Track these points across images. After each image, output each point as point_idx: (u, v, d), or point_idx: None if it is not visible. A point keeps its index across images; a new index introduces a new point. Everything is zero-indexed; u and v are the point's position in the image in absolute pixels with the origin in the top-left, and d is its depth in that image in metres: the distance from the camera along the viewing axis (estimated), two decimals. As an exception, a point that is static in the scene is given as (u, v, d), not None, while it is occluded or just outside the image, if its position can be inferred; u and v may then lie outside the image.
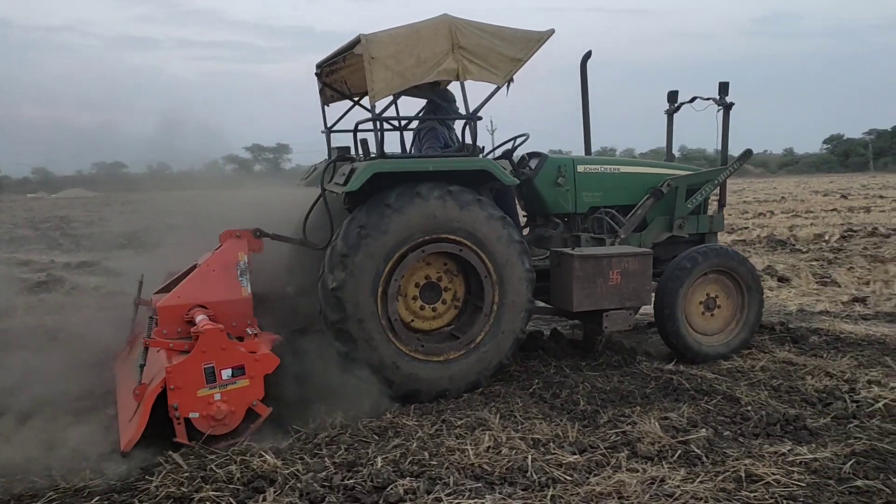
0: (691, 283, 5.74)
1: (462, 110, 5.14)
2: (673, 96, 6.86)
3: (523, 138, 6.01)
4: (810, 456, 3.76)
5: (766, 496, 3.36)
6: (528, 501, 3.36)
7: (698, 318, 5.84)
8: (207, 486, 3.57)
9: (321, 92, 6.12)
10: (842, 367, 5.35)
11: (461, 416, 4.49)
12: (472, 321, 5.15)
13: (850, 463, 3.66)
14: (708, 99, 6.47)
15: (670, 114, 6.92)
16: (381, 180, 4.72)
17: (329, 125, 6.15)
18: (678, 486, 3.46)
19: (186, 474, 3.70)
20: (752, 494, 3.38)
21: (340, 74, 5.89)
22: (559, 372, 5.49)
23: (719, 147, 6.53)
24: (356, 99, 6.12)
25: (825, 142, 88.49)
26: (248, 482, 3.63)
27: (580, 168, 6.06)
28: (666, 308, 5.66)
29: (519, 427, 4.31)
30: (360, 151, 5.22)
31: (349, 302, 4.67)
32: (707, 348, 5.77)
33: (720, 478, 3.56)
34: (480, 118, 5.10)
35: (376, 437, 4.20)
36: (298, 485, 3.56)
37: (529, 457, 3.82)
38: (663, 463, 3.78)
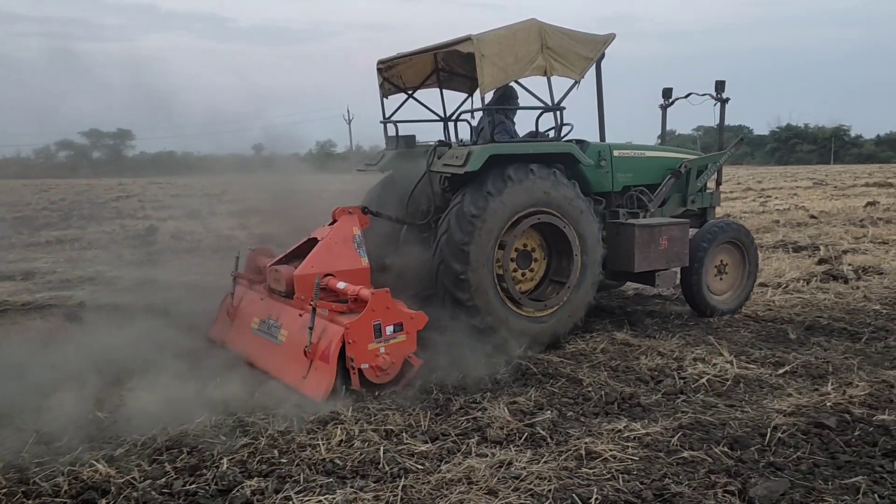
0: (712, 251, 6.87)
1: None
2: (668, 92, 7.83)
3: (568, 127, 6.36)
4: (643, 431, 4.03)
5: (604, 471, 3.56)
6: (380, 493, 3.35)
7: (712, 280, 7.01)
8: (30, 502, 3.26)
9: (381, 86, 6.82)
10: (671, 347, 5.78)
11: (314, 412, 4.39)
12: (557, 286, 6.02)
13: (678, 436, 3.95)
14: (704, 95, 7.44)
15: (664, 108, 7.90)
16: (491, 161, 5.55)
17: (387, 116, 6.89)
18: (524, 468, 3.58)
19: (5, 490, 3.36)
20: (591, 471, 3.57)
21: (397, 70, 6.76)
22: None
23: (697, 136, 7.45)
24: (409, 92, 6.95)
25: (658, 138, 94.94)
26: (76, 494, 3.35)
27: (616, 153, 6.81)
28: (694, 273, 6.75)
29: (372, 419, 4.29)
30: (472, 138, 6.50)
31: (473, 255, 5.45)
32: (717, 304, 6.95)
33: (563, 457, 3.73)
34: (564, 108, 5.98)
35: (223, 438, 4.02)
36: (134, 494, 3.34)
37: (381, 448, 3.81)
38: (511, 446, 3.90)
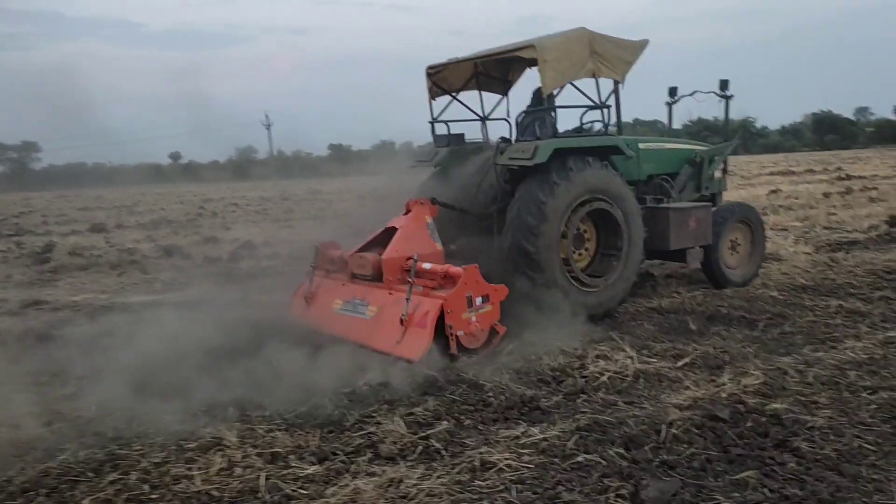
0: (727, 229, 7.70)
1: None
2: (673, 91, 8.50)
3: (595, 119, 7.12)
4: (540, 436, 3.92)
5: (498, 483, 3.42)
6: (257, 526, 3.11)
7: (727, 255, 7.81)
8: None
9: (430, 89, 7.55)
10: (575, 345, 5.71)
11: (196, 438, 4.09)
12: (607, 265, 6.78)
13: (574, 438, 3.86)
14: (708, 93, 8.09)
15: (670, 105, 8.59)
16: (554, 154, 6.20)
17: (434, 117, 7.64)
18: (415, 486, 3.41)
19: None
20: (484, 483, 3.43)
21: (443, 75, 7.50)
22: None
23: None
24: (454, 94, 7.71)
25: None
26: None
27: (641, 145, 7.51)
28: (713, 250, 7.57)
29: (258, 441, 4.03)
30: (518, 134, 7.45)
31: (542, 236, 6.16)
32: (732, 277, 7.80)
33: (456, 470, 3.58)
34: (610, 106, 6.77)
35: (90, 475, 3.68)
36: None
37: (263, 475, 3.57)
38: (404, 462, 3.72)
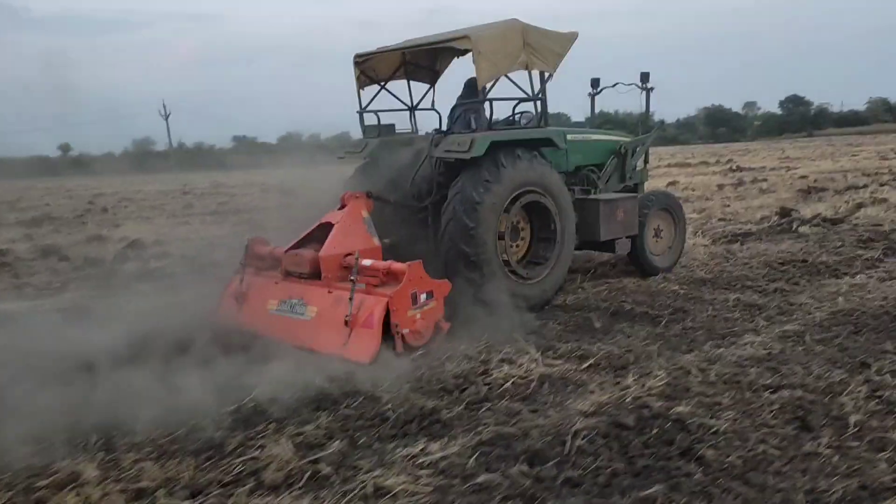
0: (651, 218, 7.93)
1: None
2: (595, 82, 8.65)
3: (523, 111, 7.23)
4: (440, 454, 3.64)
5: (391, 512, 3.12)
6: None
7: (651, 242, 8.02)
8: None
9: (357, 79, 7.36)
10: (479, 349, 5.46)
11: (50, 473, 3.58)
12: (542, 256, 6.82)
13: (476, 455, 3.61)
14: (630, 84, 8.32)
15: (593, 96, 8.77)
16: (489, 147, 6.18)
17: (363, 106, 7.48)
18: (298, 520, 3.06)
19: None
20: (377, 513, 3.12)
21: (371, 63, 7.34)
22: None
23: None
24: (382, 84, 7.57)
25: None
26: None
27: (569, 136, 7.51)
28: (638, 238, 7.75)
29: (123, 475, 3.56)
30: (448, 126, 7.38)
31: (479, 236, 6.12)
32: (657, 263, 8.04)
33: (347, 499, 3.25)
34: (542, 98, 6.78)
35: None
36: None
37: (121, 519, 3.12)
38: (288, 492, 3.36)
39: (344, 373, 4.92)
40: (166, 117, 72.19)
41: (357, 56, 7.30)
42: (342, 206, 6.19)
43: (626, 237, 7.59)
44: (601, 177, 7.97)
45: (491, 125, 6.80)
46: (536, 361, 5.04)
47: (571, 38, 6.98)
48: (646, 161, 8.91)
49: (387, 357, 5.17)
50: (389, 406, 4.35)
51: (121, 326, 5.93)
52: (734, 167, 27.32)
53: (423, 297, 5.44)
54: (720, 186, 19.07)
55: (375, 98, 7.60)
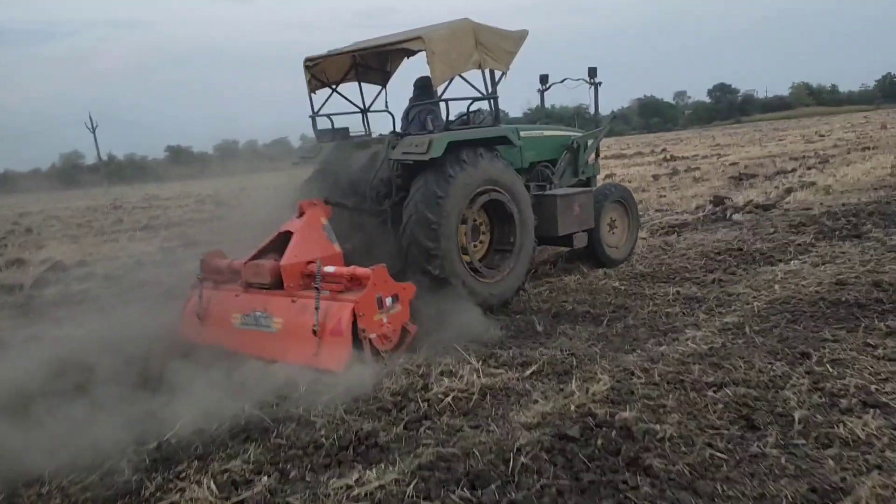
0: (605, 210, 8.04)
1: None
2: (544, 78, 8.83)
3: (478, 107, 7.27)
4: (376, 483, 3.41)
5: (324, 555, 2.88)
6: None
7: (606, 234, 8.16)
8: None
9: (309, 82, 7.21)
10: (419, 361, 5.23)
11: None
12: (503, 255, 6.86)
13: (415, 482, 3.39)
14: (578, 80, 8.50)
15: (542, 92, 8.93)
16: (448, 147, 6.17)
17: (315, 110, 7.33)
18: (222, 573, 2.79)
19: None
20: (308, 557, 2.87)
21: (322, 67, 7.21)
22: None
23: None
24: (334, 87, 7.46)
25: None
26: None
27: (522, 133, 7.46)
28: (594, 231, 7.86)
29: (25, 534, 3.22)
30: (403, 126, 7.39)
31: (442, 231, 6.10)
32: (613, 255, 8.20)
33: (275, 543, 2.99)
34: (497, 96, 6.81)
35: None
36: None
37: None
38: (211, 540, 3.08)
39: (276, 397, 4.66)
40: (93, 129, 69.71)
41: (307, 60, 7.18)
42: (300, 214, 6.08)
43: (583, 231, 7.69)
44: (555, 172, 8.05)
45: (448, 125, 6.84)
46: (478, 372, 4.85)
47: (522, 36, 7.03)
48: (597, 155, 9.02)
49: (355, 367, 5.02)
50: (323, 431, 4.10)
51: (30, 359, 5.52)
52: (668, 157, 27.82)
53: (388, 300, 5.37)
54: (655, 177, 19.32)
55: (327, 102, 7.48)
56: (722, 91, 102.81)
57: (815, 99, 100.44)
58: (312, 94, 7.32)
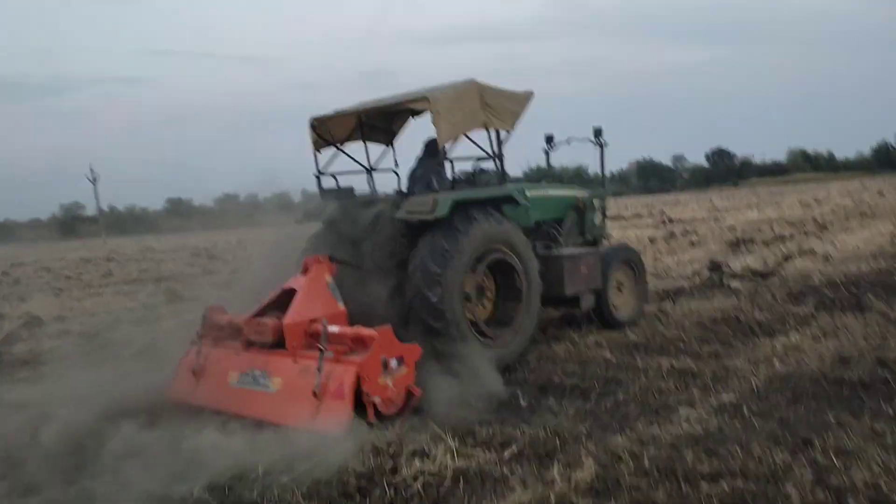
0: (614, 271, 7.87)
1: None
2: (550, 138, 8.87)
3: (480, 168, 7.12)
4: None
5: None
6: None
7: (614, 296, 7.97)
8: None
9: (314, 142, 7.23)
10: (391, 437, 4.82)
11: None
12: (508, 316, 6.69)
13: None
14: (583, 139, 8.46)
15: (547, 152, 8.94)
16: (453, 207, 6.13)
17: (319, 170, 7.34)
18: None
19: None
20: None
21: (328, 126, 7.21)
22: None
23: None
24: (339, 146, 7.44)
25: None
26: None
27: (528, 192, 7.51)
28: (602, 292, 7.72)
29: None
30: (409, 185, 7.26)
31: (446, 285, 5.98)
32: (619, 317, 7.99)
33: None
34: (503, 156, 6.86)
35: None
36: None
37: None
38: None
39: (230, 478, 4.27)
40: (93, 181, 70.13)
41: (313, 119, 7.18)
42: (305, 271, 5.95)
43: (591, 292, 7.55)
44: (562, 232, 7.97)
45: (454, 185, 6.80)
46: (452, 452, 4.45)
47: (527, 97, 7.05)
48: (604, 215, 8.91)
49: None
50: (277, 523, 3.70)
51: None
52: (665, 219, 27.72)
53: (393, 362, 5.17)
54: (652, 240, 19.10)
55: (332, 160, 7.48)
56: (720, 155, 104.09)
57: (811, 165, 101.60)
58: (317, 153, 7.33)
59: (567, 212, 8.22)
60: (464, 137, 6.89)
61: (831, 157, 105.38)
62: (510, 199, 6.86)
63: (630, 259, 8.38)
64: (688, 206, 40.42)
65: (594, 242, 8.61)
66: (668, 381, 5.91)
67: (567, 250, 7.67)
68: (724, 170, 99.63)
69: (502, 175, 6.95)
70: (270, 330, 5.65)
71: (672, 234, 20.22)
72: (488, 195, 6.68)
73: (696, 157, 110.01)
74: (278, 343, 5.61)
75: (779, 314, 8.15)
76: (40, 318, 11.62)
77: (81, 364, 7.30)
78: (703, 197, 54.76)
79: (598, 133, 8.42)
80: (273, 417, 5.13)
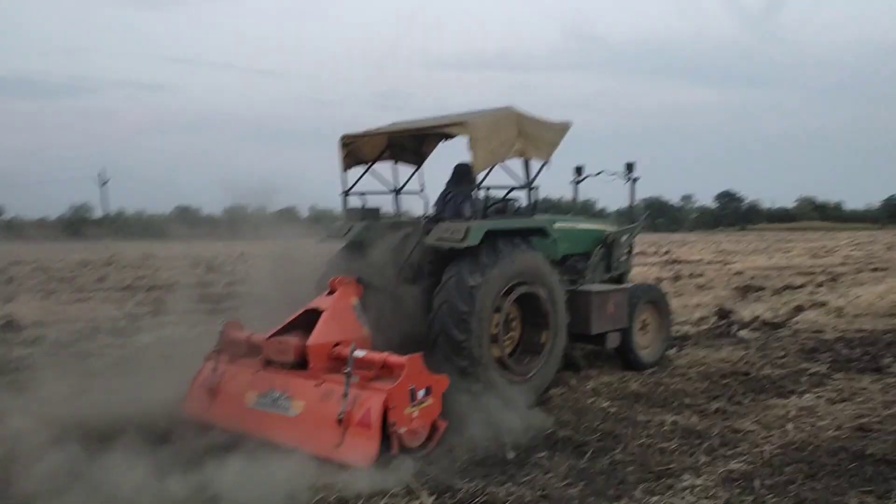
0: (639, 310, 7.70)
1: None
2: (579, 170, 8.63)
3: (510, 198, 6.93)
4: None
5: None
6: None
7: (638, 336, 7.74)
8: None
9: (343, 160, 7.08)
10: (361, 489, 4.35)
11: None
12: (534, 352, 6.50)
13: None
14: (614, 174, 8.29)
15: (576, 183, 8.71)
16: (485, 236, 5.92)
17: (346, 189, 7.24)
18: None
19: None
20: None
21: (358, 145, 7.07)
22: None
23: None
24: (368, 165, 7.28)
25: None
26: None
27: (557, 224, 7.33)
28: (627, 332, 7.52)
29: None
30: (438, 209, 7.14)
31: (473, 324, 5.79)
32: (644, 358, 7.79)
33: None
34: (537, 187, 6.68)
35: None
36: None
37: None
38: None
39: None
40: (102, 184, 70.08)
41: (345, 137, 7.03)
42: (331, 292, 5.77)
43: (616, 330, 7.34)
44: (588, 266, 7.74)
45: (485, 214, 6.50)
46: (426, 513, 3.97)
47: (565, 128, 6.92)
48: (630, 251, 8.68)
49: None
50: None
51: None
52: (672, 259, 27.23)
53: (421, 393, 4.99)
54: (658, 280, 18.60)
55: (358, 180, 7.34)
56: (728, 198, 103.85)
57: (819, 213, 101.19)
58: (345, 172, 7.16)
59: (594, 246, 7.98)
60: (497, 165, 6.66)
61: (839, 208, 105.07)
62: (541, 231, 6.69)
63: (656, 299, 8.14)
64: (695, 246, 39.95)
65: (619, 279, 8.34)
66: (672, 441, 5.40)
67: (596, 286, 7.42)
68: (732, 212, 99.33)
69: (534, 206, 6.73)
70: (293, 350, 5.42)
71: (678, 276, 19.73)
72: (520, 226, 6.53)
73: (705, 198, 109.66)
74: (301, 364, 5.40)
75: (791, 371, 7.64)
76: (18, 322, 11.16)
77: (44, 377, 6.84)
78: (710, 239, 54.27)
79: (630, 168, 8.27)
80: (292, 442, 4.89)
